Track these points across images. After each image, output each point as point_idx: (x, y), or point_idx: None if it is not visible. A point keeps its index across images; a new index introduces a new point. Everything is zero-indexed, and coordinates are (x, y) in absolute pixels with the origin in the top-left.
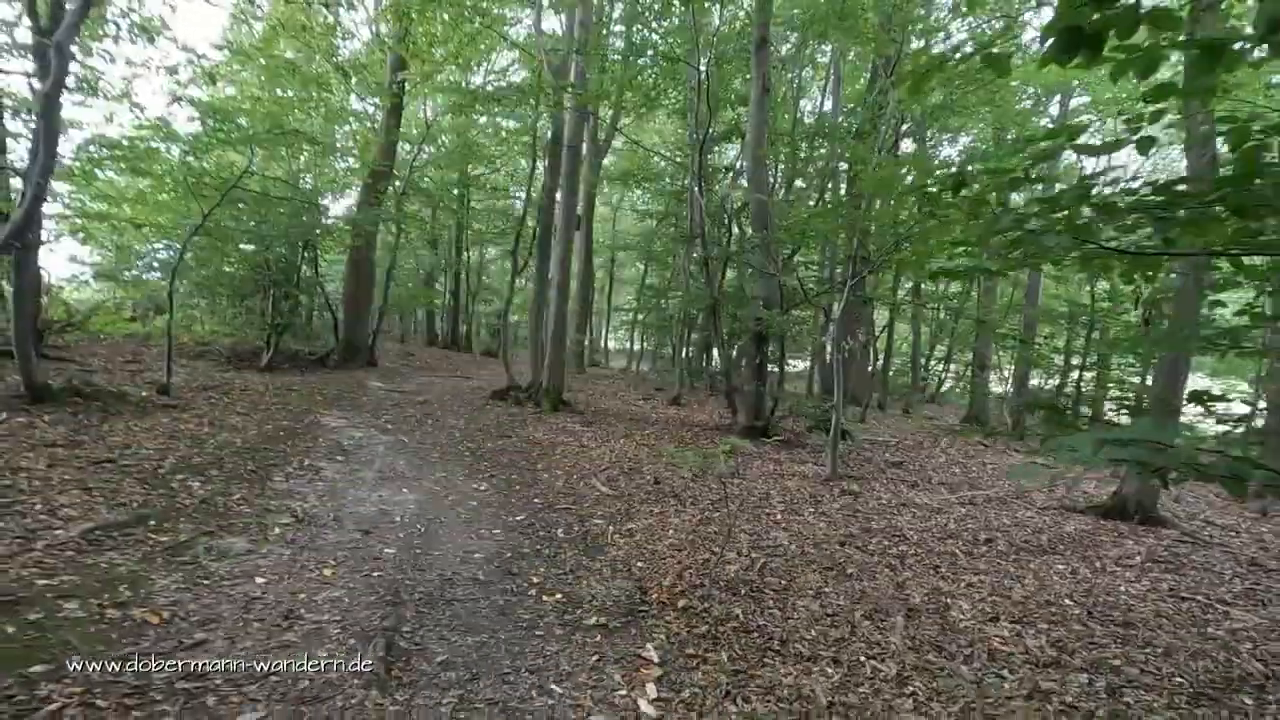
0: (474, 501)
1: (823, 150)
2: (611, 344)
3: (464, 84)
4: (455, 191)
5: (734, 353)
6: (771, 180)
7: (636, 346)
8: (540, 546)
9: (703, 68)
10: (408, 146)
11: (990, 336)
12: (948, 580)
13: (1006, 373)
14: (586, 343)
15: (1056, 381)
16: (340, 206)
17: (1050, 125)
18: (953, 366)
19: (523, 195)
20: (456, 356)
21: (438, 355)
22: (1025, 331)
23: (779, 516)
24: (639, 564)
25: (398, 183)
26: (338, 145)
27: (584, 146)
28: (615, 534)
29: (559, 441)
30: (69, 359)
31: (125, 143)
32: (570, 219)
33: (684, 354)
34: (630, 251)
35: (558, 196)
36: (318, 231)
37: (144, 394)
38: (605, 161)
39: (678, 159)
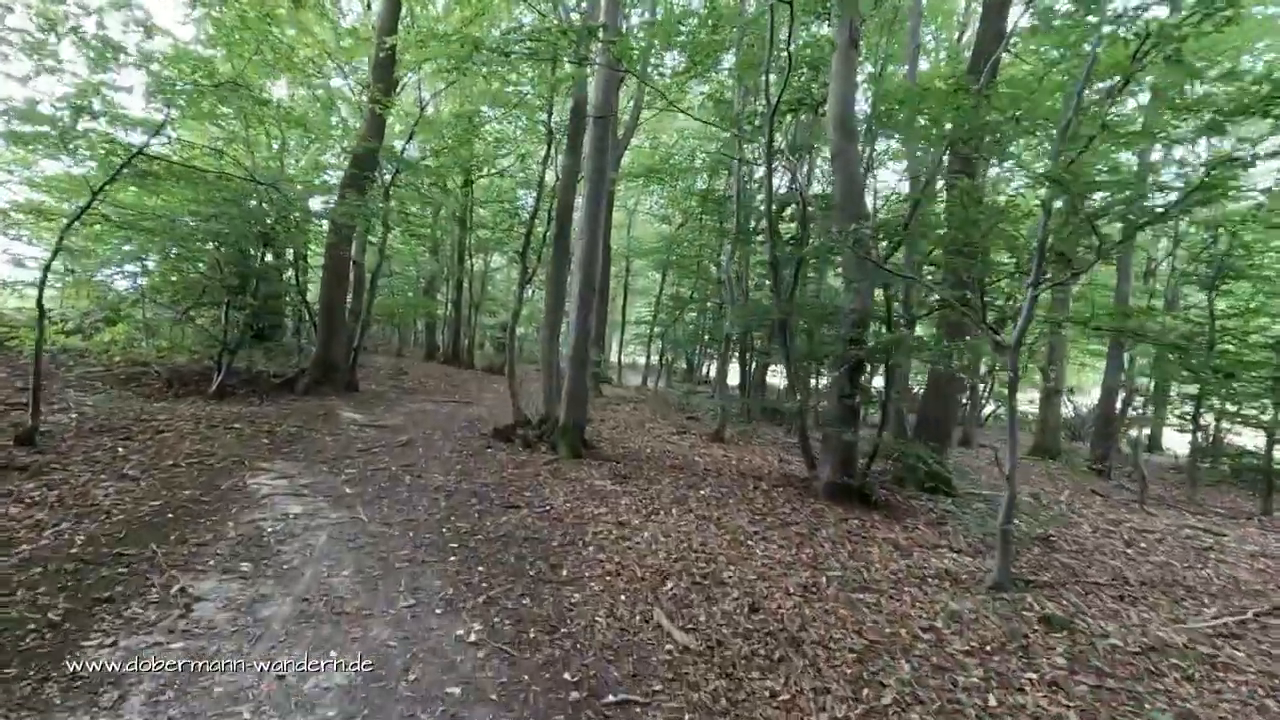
0: (455, 686)
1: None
2: (622, 358)
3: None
4: (455, 185)
5: (812, 382)
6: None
7: (643, 360)
8: None
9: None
10: (399, 129)
11: (1062, 348)
12: None
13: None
14: (600, 359)
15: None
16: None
17: None
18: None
19: (531, 198)
20: (457, 373)
21: (435, 373)
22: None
23: (991, 703)
24: None
25: (387, 174)
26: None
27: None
28: None
29: (588, 515)
30: None
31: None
32: (598, 210)
33: (709, 372)
34: (645, 260)
35: (580, 182)
36: (270, 223)
37: None
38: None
39: (718, 141)
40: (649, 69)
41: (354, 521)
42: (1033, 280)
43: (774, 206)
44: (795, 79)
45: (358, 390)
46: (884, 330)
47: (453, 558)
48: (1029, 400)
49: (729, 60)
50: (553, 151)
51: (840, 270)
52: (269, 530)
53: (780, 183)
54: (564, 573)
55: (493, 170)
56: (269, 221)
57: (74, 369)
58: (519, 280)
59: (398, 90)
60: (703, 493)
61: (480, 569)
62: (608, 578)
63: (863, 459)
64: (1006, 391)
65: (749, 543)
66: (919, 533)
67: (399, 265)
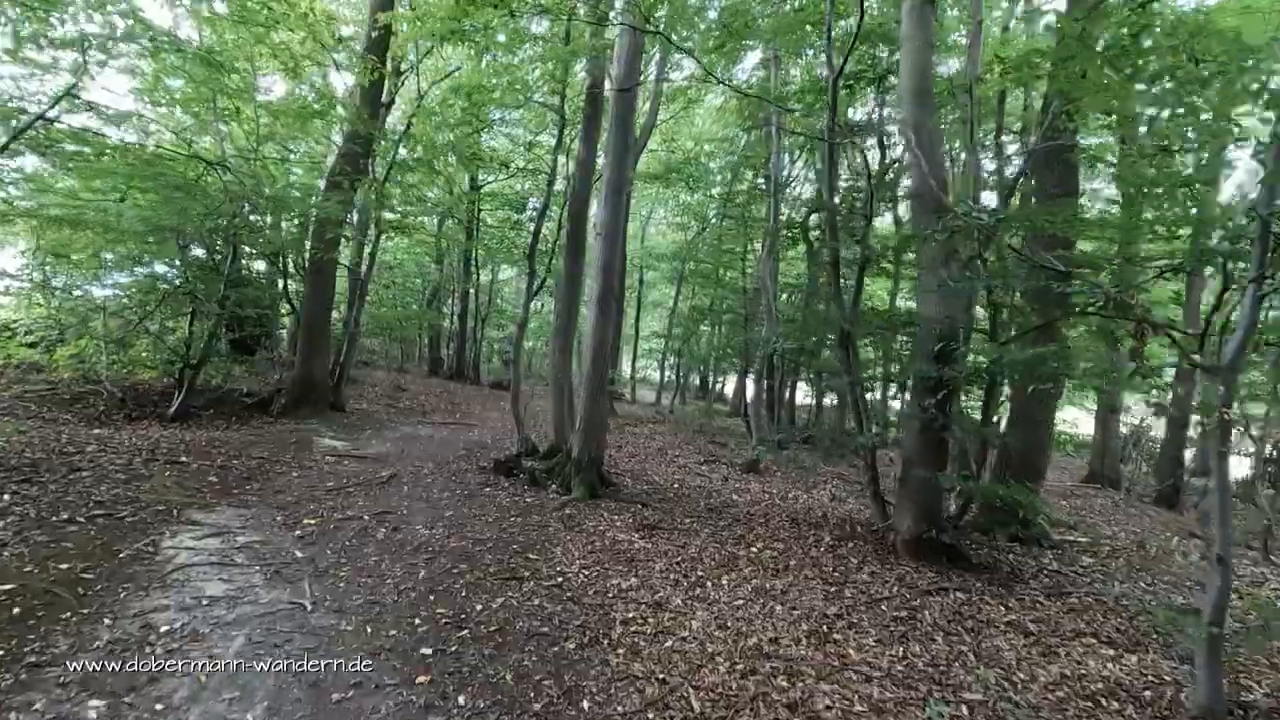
0: None
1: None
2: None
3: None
4: (459, 188)
5: (879, 407)
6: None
7: (656, 375)
8: None
9: None
10: (396, 128)
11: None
12: None
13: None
14: (614, 375)
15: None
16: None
17: None
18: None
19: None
20: (460, 390)
21: (437, 389)
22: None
23: None
24: None
25: (379, 169)
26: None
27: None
28: None
29: (613, 589)
30: None
31: None
32: (618, 203)
33: (724, 388)
34: (658, 271)
35: (601, 169)
36: (238, 220)
37: None
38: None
39: (737, 145)
40: (677, 38)
41: (293, 610)
42: (1255, 274)
43: (835, 195)
44: (857, 49)
45: (344, 411)
46: (960, 345)
47: (423, 677)
48: (1066, 421)
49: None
50: (564, 140)
51: (919, 270)
52: (163, 629)
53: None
54: (585, 704)
55: (498, 160)
56: (236, 220)
57: (10, 388)
58: (527, 286)
59: (400, 81)
60: (755, 549)
61: (463, 699)
62: (650, 715)
63: (963, 512)
64: (1207, 431)
65: (835, 636)
66: (1042, 609)
67: (402, 275)
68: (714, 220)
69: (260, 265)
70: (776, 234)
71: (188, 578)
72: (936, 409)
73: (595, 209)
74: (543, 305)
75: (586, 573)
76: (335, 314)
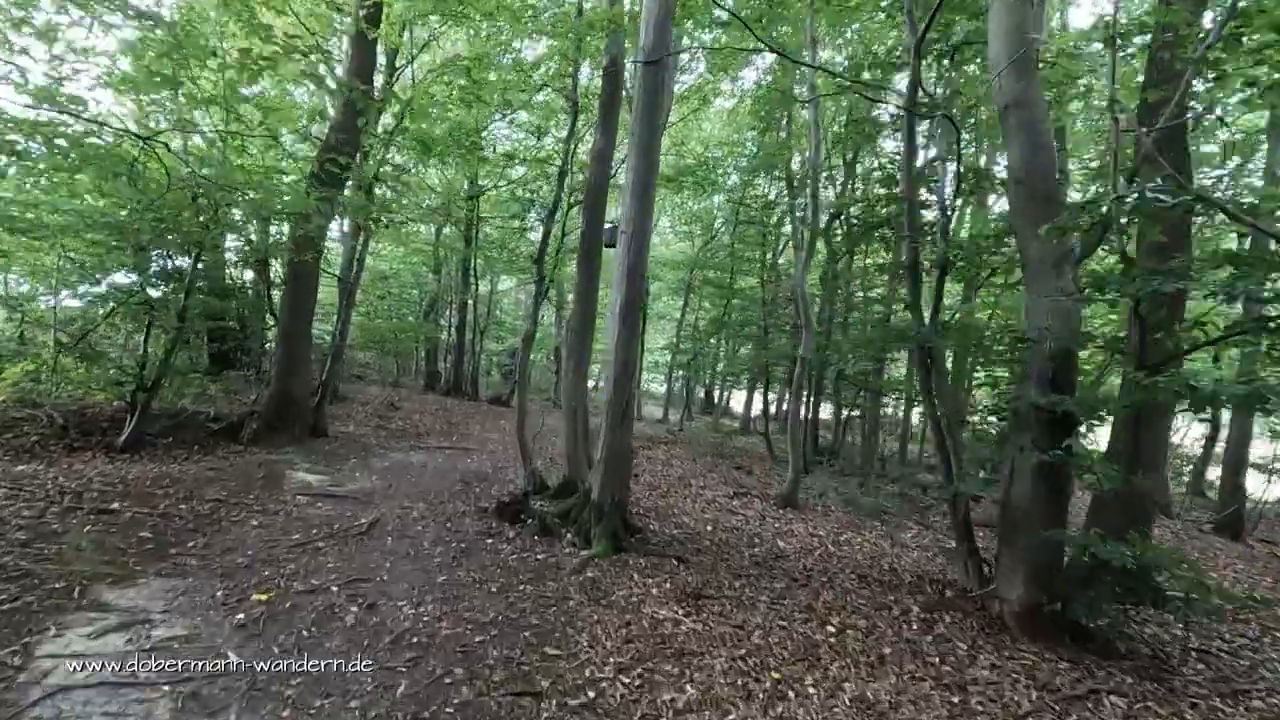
0: None
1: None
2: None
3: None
4: (460, 188)
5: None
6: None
7: (658, 388)
8: None
9: None
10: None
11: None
12: None
13: None
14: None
15: None
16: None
17: None
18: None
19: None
20: (458, 407)
21: (432, 407)
22: None
23: None
24: None
25: (371, 160)
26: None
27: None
28: None
29: (666, 711)
30: None
31: None
32: (646, 197)
33: (728, 402)
34: (663, 282)
35: (629, 157)
36: (199, 216)
37: None
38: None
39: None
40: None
41: None
42: None
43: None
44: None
45: (326, 436)
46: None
47: None
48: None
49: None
50: (576, 129)
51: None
52: None
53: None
54: None
55: (502, 153)
56: (194, 213)
57: None
58: (534, 294)
59: (395, 77)
60: (832, 628)
61: None
62: None
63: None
64: None
65: None
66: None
67: (398, 286)
68: (722, 228)
69: (251, 274)
70: (814, 238)
71: (56, 716)
72: (1055, 446)
73: (616, 207)
74: (544, 315)
75: (625, 680)
76: (327, 326)
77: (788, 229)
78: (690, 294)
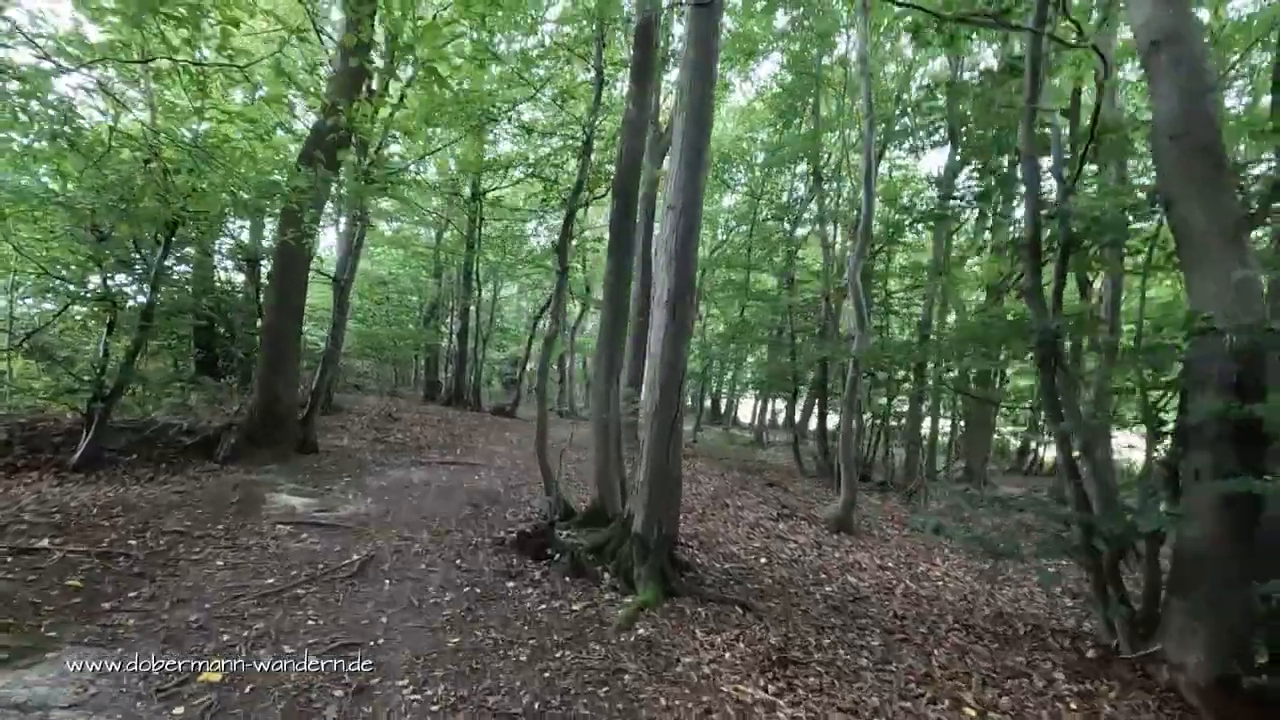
0: None
1: None
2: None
3: None
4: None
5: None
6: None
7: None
8: None
9: None
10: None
11: None
12: None
13: None
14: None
15: None
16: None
17: None
18: None
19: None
20: (460, 418)
21: (433, 417)
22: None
23: None
24: None
25: (375, 142)
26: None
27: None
28: None
29: None
30: None
31: None
32: (699, 164)
33: (735, 411)
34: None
35: (676, 120)
36: (158, 192)
37: None
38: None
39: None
40: None
41: None
42: None
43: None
44: None
45: (316, 450)
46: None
47: None
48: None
49: None
50: (603, 98)
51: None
52: None
53: None
54: None
55: (518, 123)
56: (159, 191)
57: None
58: (555, 288)
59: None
60: (969, 710)
61: None
62: None
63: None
64: None
65: None
66: None
67: (397, 292)
68: (735, 228)
69: (243, 277)
70: (869, 229)
71: None
72: (1245, 470)
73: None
74: (545, 321)
75: None
76: (321, 332)
77: (803, 230)
78: (702, 300)
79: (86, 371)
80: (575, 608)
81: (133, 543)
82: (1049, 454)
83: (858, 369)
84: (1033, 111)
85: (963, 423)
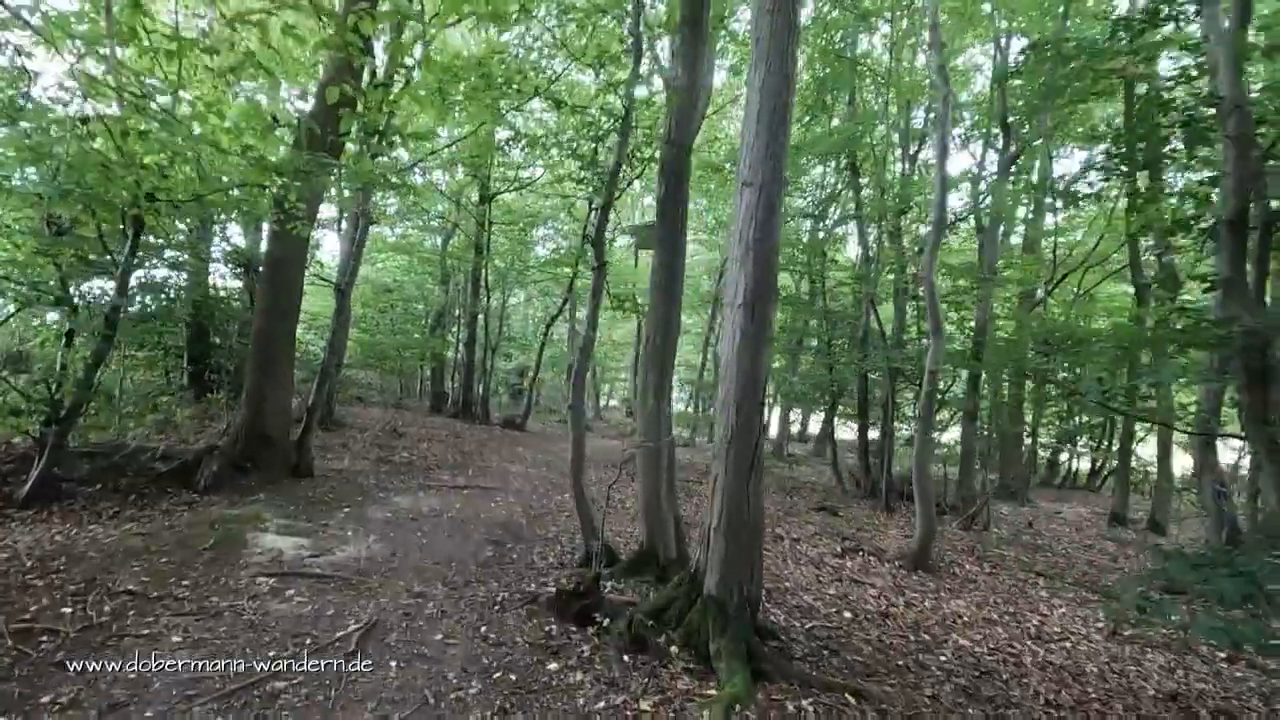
0: None
1: None
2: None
3: None
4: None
5: None
6: None
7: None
8: None
9: None
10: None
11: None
12: None
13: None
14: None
15: None
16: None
17: None
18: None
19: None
20: (469, 432)
21: (441, 431)
22: None
23: None
24: None
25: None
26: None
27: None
28: None
29: None
30: None
31: None
32: (780, 130)
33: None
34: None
35: (752, 75)
36: (123, 176)
37: None
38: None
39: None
40: None
41: None
42: None
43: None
44: None
45: (311, 475)
46: None
47: None
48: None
49: None
50: (640, 70)
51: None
52: None
53: None
54: None
55: (544, 91)
56: (119, 172)
57: None
58: (592, 288)
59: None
60: None
61: None
62: None
63: None
64: None
65: None
66: None
67: (402, 300)
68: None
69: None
70: (943, 220)
71: None
72: None
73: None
74: (555, 332)
75: None
76: (320, 342)
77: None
78: (717, 308)
79: (35, 389)
80: (644, 706)
81: (67, 611)
82: (1082, 465)
83: (934, 380)
84: (1238, 43)
85: (995, 436)
